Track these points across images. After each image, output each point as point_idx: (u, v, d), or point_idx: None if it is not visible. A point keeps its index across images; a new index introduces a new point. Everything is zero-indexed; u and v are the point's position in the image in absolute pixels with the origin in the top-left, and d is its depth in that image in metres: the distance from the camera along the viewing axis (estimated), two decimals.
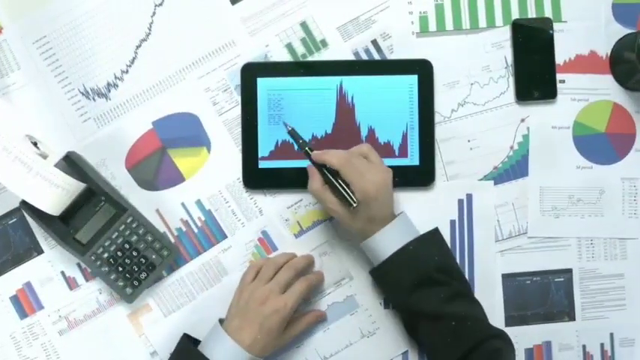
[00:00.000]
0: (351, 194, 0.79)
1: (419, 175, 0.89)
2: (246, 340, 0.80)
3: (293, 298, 0.82)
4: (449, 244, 0.89)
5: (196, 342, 0.84)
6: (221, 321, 0.84)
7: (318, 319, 0.88)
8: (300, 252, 0.89)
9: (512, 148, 0.90)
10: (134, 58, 0.89)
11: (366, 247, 0.83)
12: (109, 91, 0.89)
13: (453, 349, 0.79)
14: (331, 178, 0.80)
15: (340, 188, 0.79)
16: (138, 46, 0.89)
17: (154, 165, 0.89)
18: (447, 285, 0.80)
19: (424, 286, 0.80)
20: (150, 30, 0.89)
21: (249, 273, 0.86)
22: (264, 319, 0.80)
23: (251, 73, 0.88)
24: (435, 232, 0.85)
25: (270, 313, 0.81)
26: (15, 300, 0.88)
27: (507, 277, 0.90)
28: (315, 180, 0.81)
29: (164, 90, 0.89)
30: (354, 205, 0.79)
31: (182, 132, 0.89)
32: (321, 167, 0.81)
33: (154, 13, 0.89)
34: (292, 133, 0.82)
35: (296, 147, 0.83)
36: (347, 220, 0.81)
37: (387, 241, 0.81)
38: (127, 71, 0.89)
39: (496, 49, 0.90)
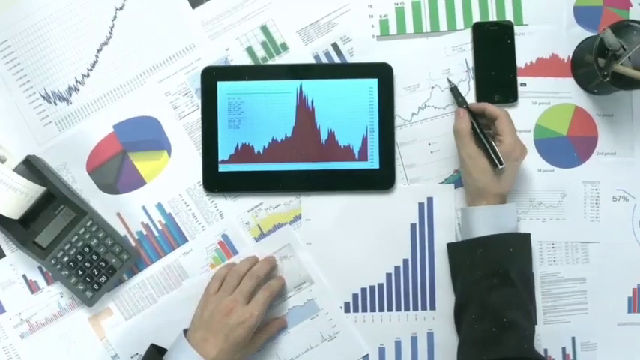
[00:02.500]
0: (499, 154, 0.80)
1: (379, 179, 0.89)
2: (211, 353, 0.79)
3: (258, 307, 0.82)
4: (409, 248, 0.89)
5: (162, 351, 0.84)
6: (185, 331, 0.83)
7: (279, 327, 0.88)
8: (261, 255, 0.89)
9: None
10: (95, 62, 0.89)
11: (467, 213, 0.84)
12: (71, 94, 0.89)
13: (488, 351, 0.78)
14: (480, 131, 0.82)
15: (487, 145, 0.81)
16: (99, 50, 0.89)
17: (114, 168, 0.89)
18: (517, 291, 0.80)
19: (498, 281, 0.79)
20: (111, 34, 0.89)
21: (213, 284, 0.85)
22: (229, 331, 0.80)
23: (211, 76, 0.88)
24: (528, 237, 0.85)
25: (236, 325, 0.80)
26: None
27: None
28: (465, 120, 0.83)
29: (125, 94, 0.89)
30: (501, 166, 0.80)
31: (143, 136, 0.89)
32: (474, 117, 0.84)
33: (115, 17, 0.89)
34: (454, 90, 0.87)
35: (453, 96, 0.87)
36: (474, 173, 0.82)
37: (491, 220, 0.82)
38: (88, 75, 0.89)
39: (457, 52, 0.90)
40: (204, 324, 0.81)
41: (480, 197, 0.83)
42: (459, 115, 0.84)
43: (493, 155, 0.81)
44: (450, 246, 0.86)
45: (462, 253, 0.84)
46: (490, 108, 0.84)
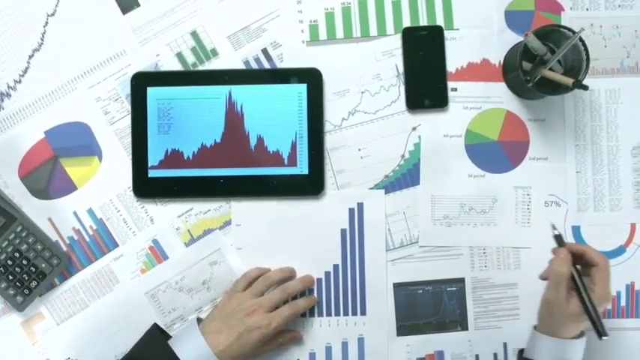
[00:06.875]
0: (604, 326, 0.76)
1: (308, 184, 0.89)
2: (220, 345, 0.80)
3: (279, 320, 0.82)
4: (340, 254, 0.89)
5: (165, 332, 0.86)
6: (199, 320, 0.85)
7: (293, 340, 0.88)
8: (191, 260, 0.89)
9: (403, 156, 0.89)
10: (27, 68, 0.89)
11: (538, 338, 0.80)
12: (2, 100, 0.89)
13: None
14: (587, 297, 0.76)
15: (594, 315, 0.76)
16: (31, 56, 0.90)
17: (46, 174, 0.89)
18: None
19: None
20: (42, 40, 0.90)
21: (241, 282, 0.86)
22: (244, 331, 0.81)
23: (141, 82, 0.89)
24: None
25: (253, 327, 0.81)
26: None
27: (399, 287, 0.89)
28: (566, 264, 0.77)
29: (56, 99, 0.89)
30: (604, 337, 0.75)
31: (74, 141, 0.89)
32: (573, 263, 0.78)
33: (47, 23, 0.90)
34: (558, 238, 0.80)
35: (556, 243, 0.81)
36: (556, 317, 0.78)
37: (557, 353, 0.78)
38: (19, 81, 0.89)
39: (387, 57, 0.89)
40: (223, 317, 0.82)
41: (552, 332, 0.79)
42: (560, 256, 0.78)
43: (599, 325, 0.76)
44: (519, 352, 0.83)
45: None
46: (591, 253, 0.79)
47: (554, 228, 0.81)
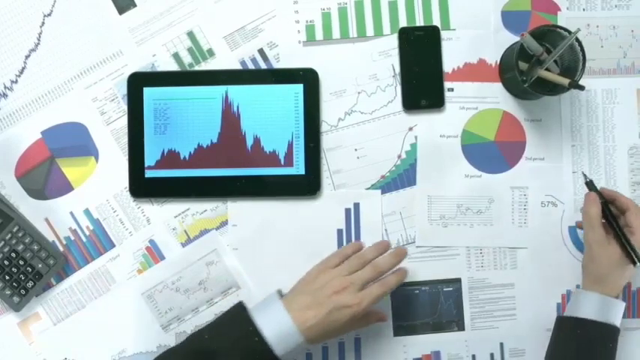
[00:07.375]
0: (638, 252, 0.79)
1: (305, 185, 0.88)
2: (309, 322, 0.76)
3: (369, 299, 0.77)
4: None
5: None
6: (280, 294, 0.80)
7: (379, 321, 0.85)
8: (187, 260, 0.89)
9: (399, 156, 0.89)
10: (23, 68, 0.89)
11: (584, 295, 0.81)
12: None
13: None
14: (617, 226, 0.81)
15: (625, 241, 0.80)
16: (27, 57, 0.90)
17: (42, 174, 0.89)
18: None
19: None
20: (39, 40, 0.90)
21: (334, 258, 0.82)
22: (334, 309, 0.76)
23: (137, 82, 0.89)
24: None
25: (343, 306, 0.76)
26: None
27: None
28: (596, 204, 0.81)
29: (53, 100, 0.89)
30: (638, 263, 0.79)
31: (70, 141, 0.89)
32: (606, 205, 0.82)
33: (43, 24, 0.90)
34: (590, 184, 0.84)
35: (587, 187, 0.84)
36: (599, 260, 0.80)
37: (603, 309, 0.80)
38: (16, 81, 0.90)
39: (383, 57, 0.89)
40: (312, 292, 0.78)
41: (597, 284, 0.81)
42: (589, 199, 0.82)
43: (632, 252, 0.79)
44: (566, 319, 0.83)
45: (572, 329, 0.82)
46: (621, 198, 0.83)
47: (585, 176, 0.85)
